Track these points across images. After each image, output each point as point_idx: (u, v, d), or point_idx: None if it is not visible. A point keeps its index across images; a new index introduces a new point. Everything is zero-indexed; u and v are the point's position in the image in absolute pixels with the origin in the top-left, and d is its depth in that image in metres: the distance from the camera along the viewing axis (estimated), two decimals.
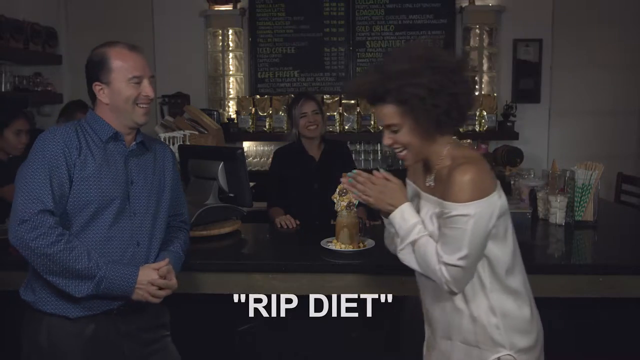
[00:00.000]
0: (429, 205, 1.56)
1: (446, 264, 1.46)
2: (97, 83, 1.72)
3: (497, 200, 1.47)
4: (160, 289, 1.72)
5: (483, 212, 1.44)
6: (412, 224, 1.52)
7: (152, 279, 1.71)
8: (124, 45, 1.75)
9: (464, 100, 1.50)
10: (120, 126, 1.75)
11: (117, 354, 1.73)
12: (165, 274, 1.73)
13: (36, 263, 1.60)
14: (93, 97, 1.76)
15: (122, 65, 1.70)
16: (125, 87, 1.71)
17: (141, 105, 1.74)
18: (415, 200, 1.62)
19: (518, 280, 1.55)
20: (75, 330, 1.68)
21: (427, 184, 1.59)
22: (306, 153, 3.01)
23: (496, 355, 1.50)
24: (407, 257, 1.53)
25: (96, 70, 1.71)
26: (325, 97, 4.65)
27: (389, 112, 1.50)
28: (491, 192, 1.46)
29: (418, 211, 1.57)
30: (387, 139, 1.54)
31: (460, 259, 1.44)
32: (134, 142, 1.79)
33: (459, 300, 1.52)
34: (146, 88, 1.74)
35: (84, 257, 1.60)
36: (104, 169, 1.70)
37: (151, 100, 1.77)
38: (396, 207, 1.53)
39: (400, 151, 1.54)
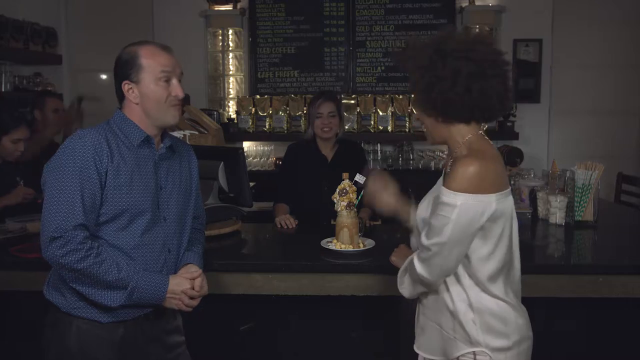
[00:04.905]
0: (436, 190, 1.59)
1: (422, 247, 1.51)
2: (126, 82, 1.67)
3: (492, 202, 1.46)
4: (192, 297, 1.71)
5: (470, 206, 1.44)
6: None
7: (185, 288, 1.68)
8: (155, 44, 1.72)
9: (477, 92, 1.47)
10: (149, 127, 1.70)
11: (144, 359, 1.72)
12: (200, 284, 1.73)
13: (68, 277, 1.57)
14: (121, 97, 1.71)
15: (151, 63, 1.66)
16: (154, 87, 1.66)
17: (171, 106, 1.70)
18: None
19: (500, 289, 1.53)
20: (105, 334, 1.65)
21: (447, 170, 1.63)
22: (319, 152, 2.97)
23: (471, 349, 1.52)
24: (405, 285, 1.62)
25: (126, 68, 1.67)
26: None
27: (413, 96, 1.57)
28: (488, 192, 1.46)
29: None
30: (416, 115, 1.62)
31: (435, 244, 1.47)
32: (163, 146, 1.75)
33: (442, 290, 1.56)
34: (176, 88, 1.69)
35: (113, 269, 1.57)
36: (136, 176, 1.66)
37: (180, 101, 1.73)
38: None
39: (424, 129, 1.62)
